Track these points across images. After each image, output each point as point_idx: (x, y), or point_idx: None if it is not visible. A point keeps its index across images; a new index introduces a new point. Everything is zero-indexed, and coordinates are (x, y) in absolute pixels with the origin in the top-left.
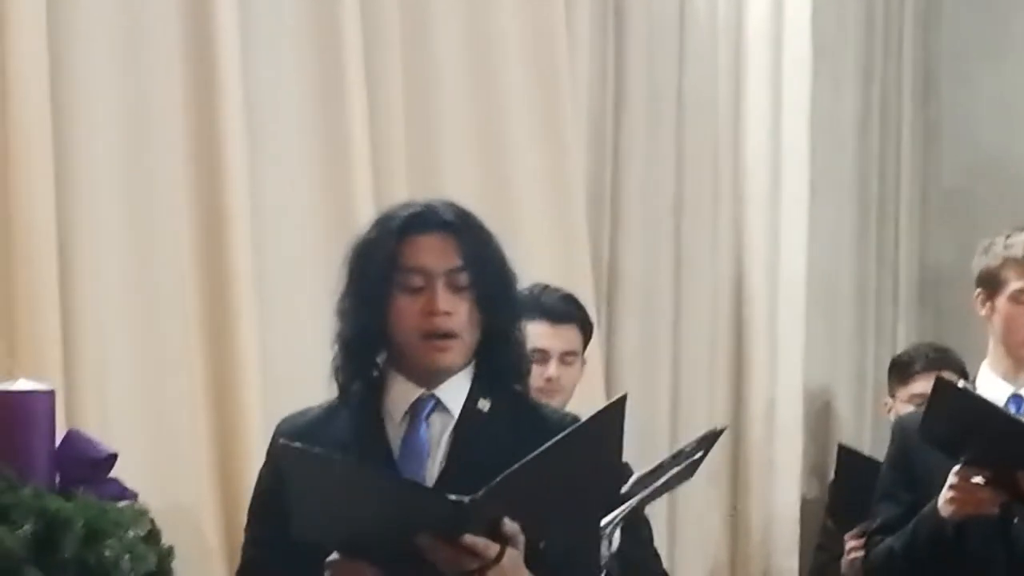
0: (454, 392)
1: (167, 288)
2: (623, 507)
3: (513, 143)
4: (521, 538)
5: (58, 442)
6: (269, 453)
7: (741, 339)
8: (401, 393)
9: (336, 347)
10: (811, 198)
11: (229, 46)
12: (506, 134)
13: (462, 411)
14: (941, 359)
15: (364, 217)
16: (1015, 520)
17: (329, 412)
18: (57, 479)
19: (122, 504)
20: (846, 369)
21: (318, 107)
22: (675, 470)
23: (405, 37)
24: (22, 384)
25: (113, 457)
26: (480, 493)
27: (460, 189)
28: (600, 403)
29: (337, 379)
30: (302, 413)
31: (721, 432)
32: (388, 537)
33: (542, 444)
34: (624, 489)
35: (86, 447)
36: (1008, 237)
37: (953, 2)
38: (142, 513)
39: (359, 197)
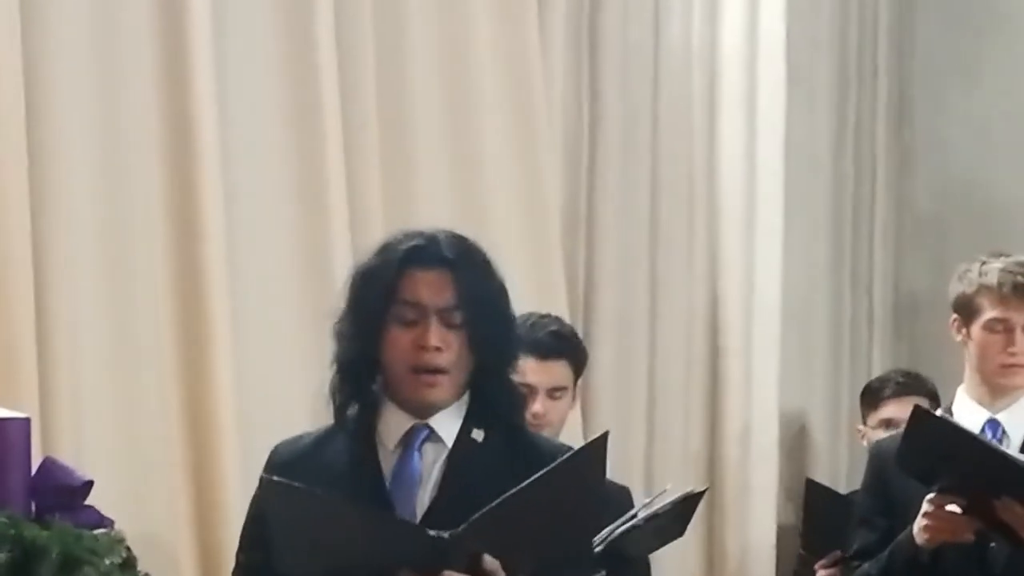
0: (448, 422)
1: (142, 315)
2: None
3: (488, 167)
4: (501, 574)
5: (33, 470)
6: (262, 479)
7: (716, 364)
8: (394, 422)
9: (333, 370)
10: (785, 223)
11: (203, 64)
12: (481, 157)
13: (456, 441)
14: (911, 384)
15: (339, 240)
16: (991, 545)
17: (324, 437)
18: (33, 507)
19: (98, 532)
20: (821, 394)
21: (293, 128)
22: (656, 527)
23: (380, 60)
24: None
25: (89, 484)
26: (460, 529)
27: (435, 212)
28: (575, 428)
29: (333, 401)
30: (298, 438)
31: (701, 495)
32: (370, 571)
33: (532, 475)
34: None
35: (61, 474)
36: (983, 264)
37: (927, 26)
38: (118, 540)
39: (335, 219)
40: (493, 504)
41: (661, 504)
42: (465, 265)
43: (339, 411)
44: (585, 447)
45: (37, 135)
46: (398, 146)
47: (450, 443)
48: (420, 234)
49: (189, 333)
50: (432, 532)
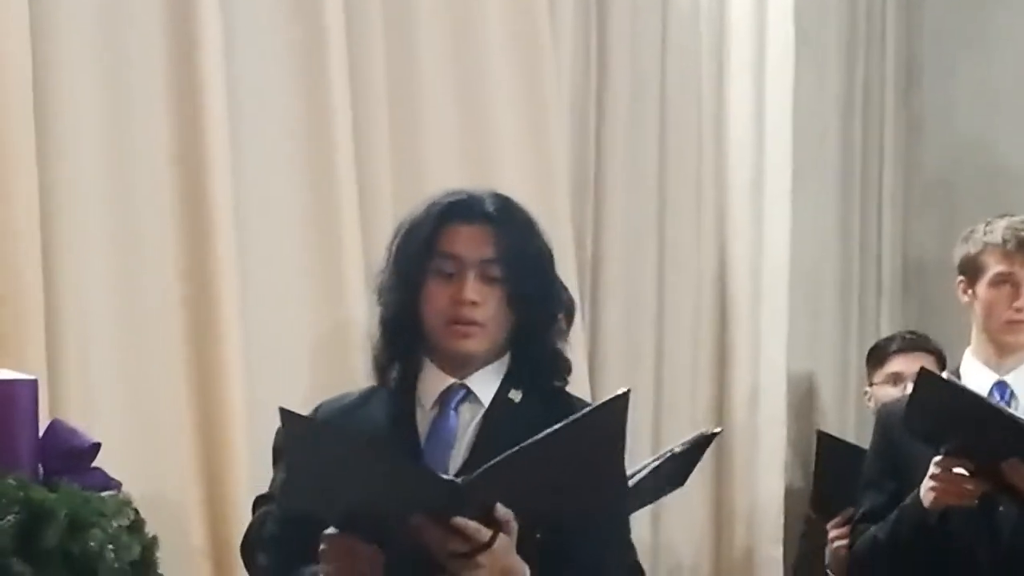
0: (486, 383)
1: (150, 278)
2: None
3: (496, 135)
4: (514, 524)
5: (41, 432)
6: (282, 411)
7: (724, 328)
8: (432, 381)
9: (377, 330)
10: (794, 186)
11: (211, 38)
12: (489, 125)
13: (492, 401)
14: (918, 340)
15: (348, 207)
16: (999, 508)
17: (365, 397)
18: (40, 469)
19: (106, 494)
20: (829, 358)
21: (301, 101)
22: (666, 471)
23: (388, 29)
24: (4, 374)
25: (96, 447)
26: (475, 475)
27: (444, 181)
28: (583, 391)
29: (376, 362)
30: (340, 397)
31: (714, 436)
32: (383, 514)
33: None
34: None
35: (69, 437)
36: (988, 224)
37: None
38: (126, 503)
39: (343, 186)
40: (508, 453)
41: (678, 446)
42: (506, 221)
43: (381, 371)
44: (605, 403)
45: (46, 100)
46: (407, 118)
47: (487, 403)
48: (463, 191)
49: (198, 296)
50: (446, 476)
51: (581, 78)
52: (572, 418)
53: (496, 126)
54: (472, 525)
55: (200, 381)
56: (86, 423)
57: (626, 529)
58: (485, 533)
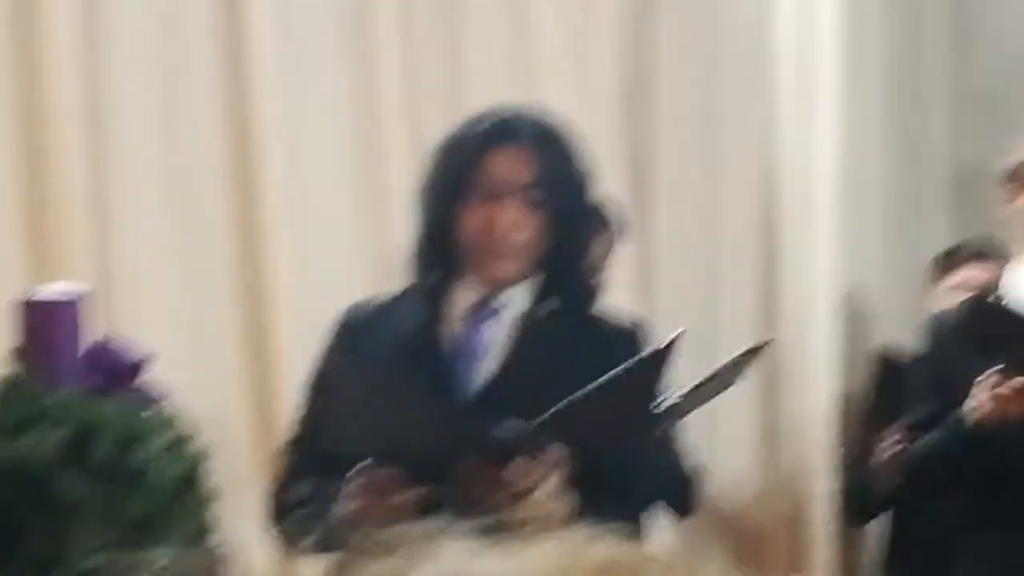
0: (515, 300)
1: (200, 192)
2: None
3: (544, 42)
4: (562, 467)
5: (91, 346)
6: (332, 349)
7: (772, 239)
8: (463, 295)
9: (413, 240)
10: (842, 98)
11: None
12: (538, 31)
13: (522, 317)
14: (985, 249)
15: (390, 120)
16: None
17: (394, 302)
18: (90, 384)
19: (155, 407)
20: (880, 268)
21: (348, 32)
22: (721, 380)
23: None
24: (54, 289)
25: (147, 361)
26: (527, 429)
27: (489, 88)
28: (633, 298)
29: (415, 266)
30: (368, 301)
31: (764, 346)
32: (428, 456)
33: (601, 354)
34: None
35: (119, 351)
36: None
37: None
38: (175, 416)
39: (387, 109)
40: (562, 405)
41: (725, 360)
42: (548, 143)
43: (419, 276)
44: (659, 350)
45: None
46: (453, 27)
47: (516, 320)
48: (507, 110)
49: (247, 211)
50: (502, 426)
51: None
52: (627, 365)
53: (544, 32)
54: (521, 472)
55: (250, 294)
56: (136, 337)
57: (671, 445)
58: (533, 479)
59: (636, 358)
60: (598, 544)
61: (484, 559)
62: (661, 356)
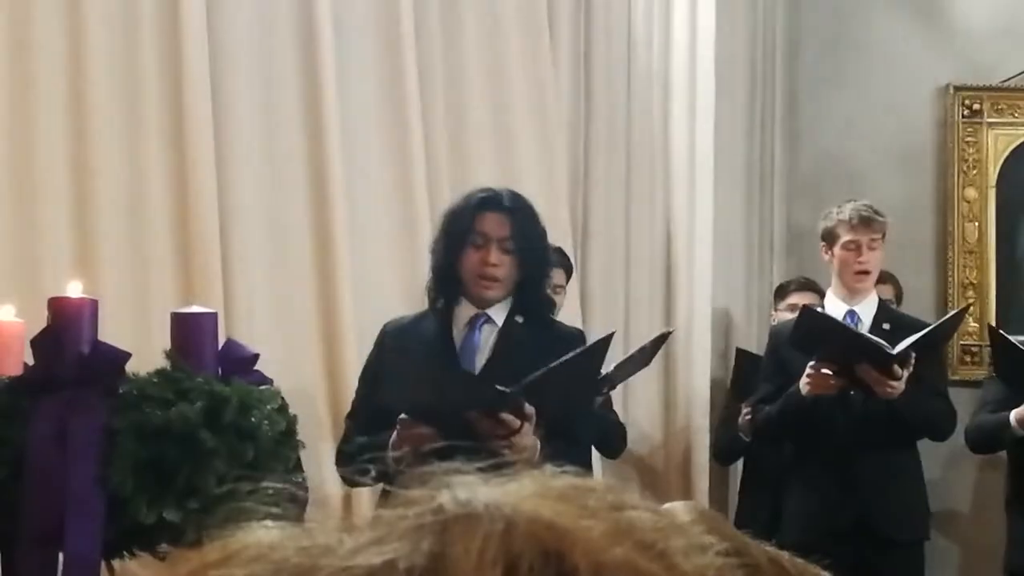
0: (500, 311)
1: (290, 236)
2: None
3: (519, 147)
4: (534, 416)
5: (220, 346)
6: (375, 351)
7: (670, 275)
8: (465, 311)
9: (429, 276)
10: (715, 183)
11: (329, 79)
12: (515, 141)
13: (504, 323)
14: (808, 282)
15: (419, 189)
16: (851, 393)
17: (420, 317)
18: (219, 371)
19: (263, 387)
20: (740, 296)
21: (387, 127)
22: (640, 357)
23: (447, 78)
24: (196, 309)
25: (256, 356)
26: (515, 387)
27: (483, 175)
28: (575, 313)
29: (428, 296)
30: (402, 317)
31: (669, 333)
32: (449, 410)
33: (555, 348)
34: (609, 369)
35: (239, 349)
36: (839, 207)
37: (809, 48)
38: (276, 393)
39: (415, 174)
40: (538, 372)
41: (644, 343)
42: (519, 211)
43: (432, 302)
44: (599, 341)
45: (222, 114)
46: (458, 138)
47: (500, 324)
48: (491, 189)
49: (323, 252)
50: (499, 387)
51: (573, 111)
52: (578, 351)
53: (519, 143)
54: (510, 417)
55: (324, 308)
56: (250, 340)
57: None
58: (517, 422)
59: (584, 346)
60: (562, 476)
61: (486, 487)
62: (600, 345)
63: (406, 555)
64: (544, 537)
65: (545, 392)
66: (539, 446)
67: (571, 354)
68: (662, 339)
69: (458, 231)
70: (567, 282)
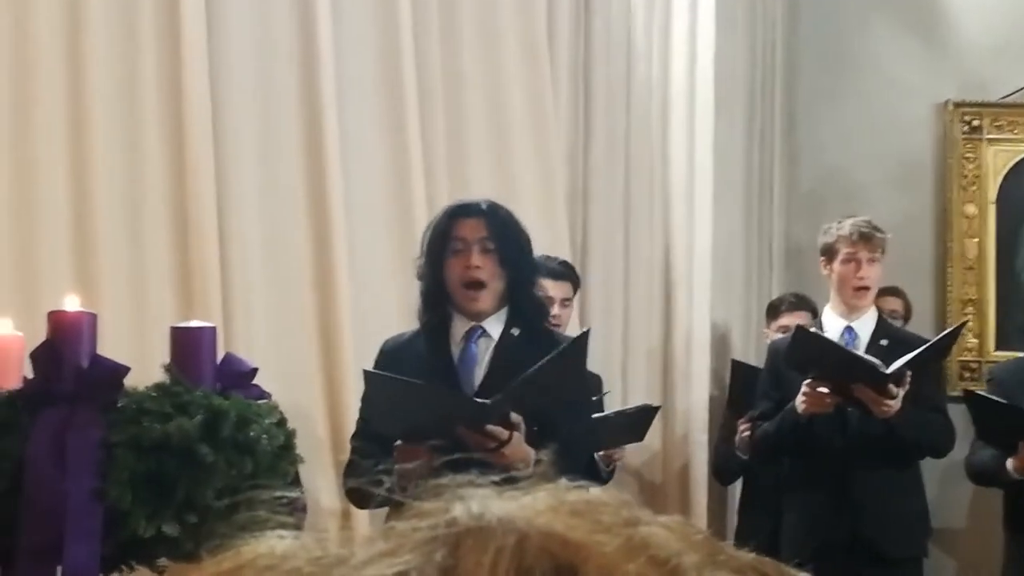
0: (495, 324)
1: (290, 254)
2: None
3: (517, 163)
4: (523, 425)
5: (219, 361)
6: (365, 372)
7: (669, 291)
8: (459, 325)
9: (419, 297)
10: (714, 197)
11: (328, 91)
12: (513, 157)
13: (500, 336)
14: (799, 302)
15: (419, 205)
16: (848, 410)
17: (414, 335)
18: (218, 385)
19: (261, 401)
20: (738, 310)
21: (386, 143)
22: (627, 423)
23: (446, 90)
24: (195, 323)
25: (255, 370)
26: (496, 398)
27: (483, 193)
28: (576, 332)
29: (419, 317)
30: (399, 335)
31: (656, 409)
32: (437, 428)
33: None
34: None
35: (237, 364)
36: (839, 223)
37: (809, 64)
38: (274, 407)
39: (414, 189)
40: (517, 380)
41: (627, 408)
42: (493, 213)
43: (423, 325)
44: (575, 340)
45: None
46: (457, 153)
47: (496, 337)
48: (465, 198)
49: (321, 271)
50: (478, 400)
51: (572, 129)
52: (554, 352)
53: (517, 159)
54: (496, 429)
55: (323, 323)
56: (248, 355)
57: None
58: (505, 433)
59: (558, 348)
60: (576, 491)
61: (499, 500)
62: (579, 341)
63: (418, 567)
64: (557, 551)
65: (533, 398)
66: (534, 455)
67: (549, 356)
68: (647, 413)
69: (437, 240)
70: (575, 295)
